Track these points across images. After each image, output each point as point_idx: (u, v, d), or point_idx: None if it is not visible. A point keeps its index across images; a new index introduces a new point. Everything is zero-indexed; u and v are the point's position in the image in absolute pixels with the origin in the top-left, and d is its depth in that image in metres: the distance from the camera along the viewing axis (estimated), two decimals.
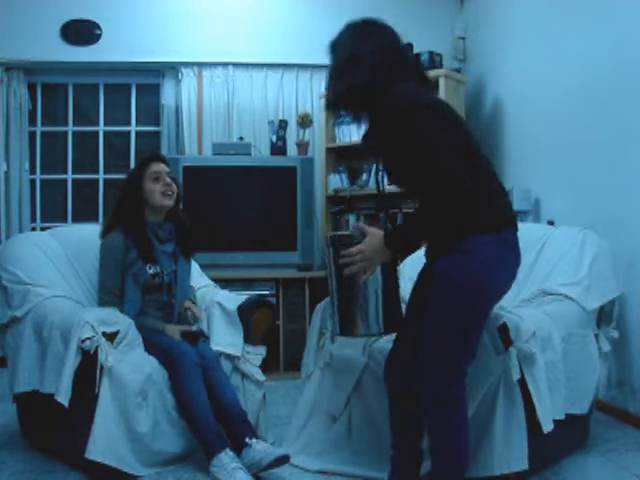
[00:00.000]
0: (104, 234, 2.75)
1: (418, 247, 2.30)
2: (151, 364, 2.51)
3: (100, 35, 4.80)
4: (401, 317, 2.08)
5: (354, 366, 2.57)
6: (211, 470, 2.35)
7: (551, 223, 3.43)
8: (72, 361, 2.30)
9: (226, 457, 2.34)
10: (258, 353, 2.87)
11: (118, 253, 2.67)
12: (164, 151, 4.87)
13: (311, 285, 4.30)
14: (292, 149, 4.73)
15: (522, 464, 2.12)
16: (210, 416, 2.44)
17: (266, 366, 2.94)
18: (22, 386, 2.54)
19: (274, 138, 4.66)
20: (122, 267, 2.67)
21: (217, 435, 2.41)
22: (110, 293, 2.66)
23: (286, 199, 4.38)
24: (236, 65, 4.96)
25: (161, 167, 2.79)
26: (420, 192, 1.94)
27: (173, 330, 2.67)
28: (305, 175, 4.39)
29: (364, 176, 4.65)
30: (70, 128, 5.10)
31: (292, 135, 4.77)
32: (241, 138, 4.75)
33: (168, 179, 2.79)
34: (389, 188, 2.48)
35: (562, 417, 2.27)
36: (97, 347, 2.31)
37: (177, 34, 4.86)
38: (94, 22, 4.79)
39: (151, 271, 2.71)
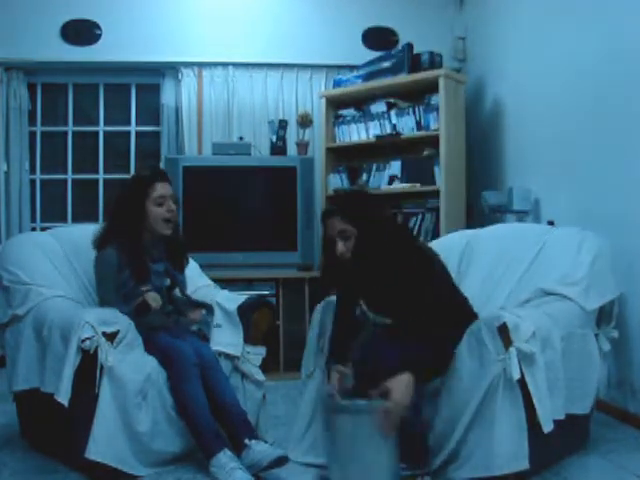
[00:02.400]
0: (99, 247, 2.67)
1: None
2: (150, 364, 2.51)
3: (100, 35, 4.80)
4: None
5: None
6: (210, 470, 2.35)
7: (551, 223, 3.43)
8: (72, 361, 2.29)
9: (224, 457, 2.34)
10: (258, 353, 2.87)
11: (113, 270, 2.61)
12: (164, 151, 4.88)
13: (311, 285, 4.30)
14: (292, 149, 4.73)
15: (522, 464, 2.12)
16: (209, 416, 2.44)
17: (266, 366, 2.93)
18: (21, 384, 2.54)
19: (274, 138, 4.66)
20: (116, 284, 2.62)
21: (216, 435, 2.41)
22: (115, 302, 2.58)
23: (286, 199, 4.38)
24: (236, 65, 4.96)
25: (167, 189, 2.68)
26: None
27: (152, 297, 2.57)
28: (305, 175, 4.39)
29: (364, 176, 4.65)
30: (70, 128, 5.10)
31: (292, 135, 4.77)
32: (241, 138, 4.75)
33: (172, 204, 2.68)
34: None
35: (562, 417, 2.27)
36: (97, 347, 2.31)
37: (177, 34, 4.86)
38: (94, 22, 4.79)
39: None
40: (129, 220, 2.64)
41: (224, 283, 3.43)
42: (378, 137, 4.47)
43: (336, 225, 2.43)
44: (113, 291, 2.60)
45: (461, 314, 2.44)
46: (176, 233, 2.77)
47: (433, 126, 4.25)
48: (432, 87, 4.25)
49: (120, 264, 2.61)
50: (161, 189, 2.66)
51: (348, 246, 2.41)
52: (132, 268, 2.62)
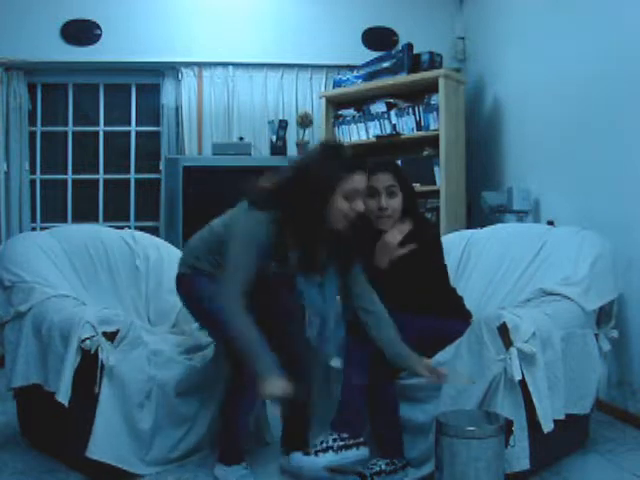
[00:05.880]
0: (259, 205, 2.19)
1: None
2: (156, 359, 2.50)
3: (100, 35, 4.80)
4: None
5: None
6: (217, 472, 2.34)
7: (551, 223, 3.43)
8: (72, 361, 2.29)
9: (242, 469, 2.33)
10: None
11: (262, 239, 2.15)
12: (164, 151, 4.88)
13: None
14: (292, 149, 4.73)
15: (523, 464, 2.12)
16: (249, 424, 2.42)
17: None
18: (20, 380, 2.52)
19: (274, 138, 4.67)
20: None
21: (243, 444, 2.40)
22: (240, 292, 2.12)
23: None
24: (236, 65, 4.96)
25: (363, 181, 2.24)
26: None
27: None
28: None
29: None
30: (70, 128, 5.10)
31: (292, 135, 4.77)
32: (241, 138, 4.75)
33: (360, 203, 2.23)
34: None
35: (562, 417, 2.27)
36: (97, 347, 2.30)
37: (177, 34, 4.86)
38: (94, 22, 4.79)
39: None
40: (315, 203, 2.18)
41: None
42: (378, 137, 4.47)
43: (385, 180, 2.48)
44: (254, 258, 2.14)
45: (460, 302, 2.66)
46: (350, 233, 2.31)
47: (433, 126, 4.25)
48: (432, 87, 4.25)
49: (269, 240, 2.16)
50: (358, 182, 2.23)
51: (390, 204, 2.47)
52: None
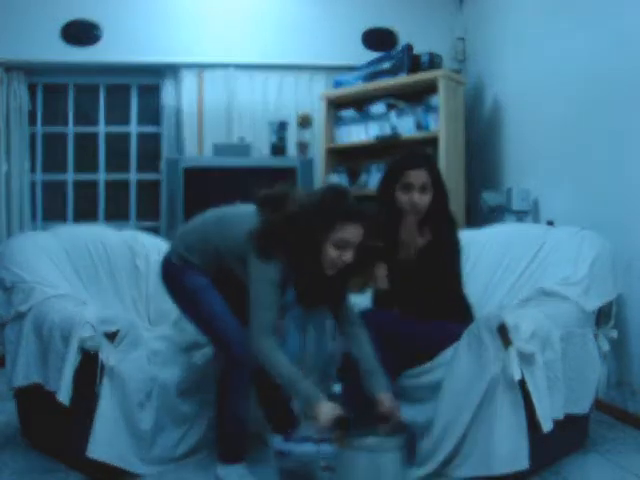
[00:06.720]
0: (263, 253, 2.19)
1: None
2: (157, 359, 2.50)
3: (100, 35, 4.81)
4: None
5: None
6: (219, 473, 2.32)
7: (550, 223, 3.44)
8: (72, 361, 2.29)
9: (242, 469, 2.31)
10: None
11: (275, 283, 2.17)
12: (164, 152, 4.88)
13: None
14: (292, 150, 4.74)
15: (523, 464, 2.12)
16: (247, 421, 2.39)
17: None
18: (21, 380, 2.52)
19: (274, 139, 4.67)
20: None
21: (243, 442, 2.38)
22: (269, 331, 2.14)
23: None
24: (236, 66, 4.96)
25: (358, 233, 2.16)
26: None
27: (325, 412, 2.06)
28: (305, 175, 4.39)
29: (364, 176, 4.65)
30: (70, 129, 5.10)
31: (292, 136, 4.78)
32: (242, 139, 4.75)
33: (350, 253, 2.16)
34: None
35: (561, 417, 2.27)
36: (98, 347, 2.31)
37: (177, 34, 4.86)
38: (94, 22, 4.80)
39: None
40: (308, 250, 2.18)
41: None
42: (378, 138, 4.47)
43: (421, 176, 2.47)
44: (275, 295, 2.17)
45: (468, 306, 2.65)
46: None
47: (433, 127, 4.26)
48: (432, 88, 4.25)
49: (281, 284, 2.20)
50: (350, 232, 2.15)
51: (423, 199, 2.45)
52: (299, 293, 2.30)
